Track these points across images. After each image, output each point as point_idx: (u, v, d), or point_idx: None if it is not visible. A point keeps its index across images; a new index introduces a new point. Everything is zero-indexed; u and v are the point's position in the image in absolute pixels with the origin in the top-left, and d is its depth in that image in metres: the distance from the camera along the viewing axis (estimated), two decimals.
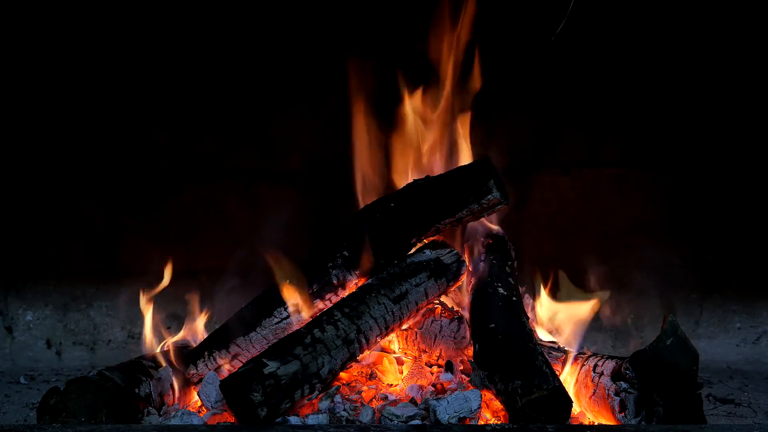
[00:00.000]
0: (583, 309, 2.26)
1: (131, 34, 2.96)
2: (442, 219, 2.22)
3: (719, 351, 3.09)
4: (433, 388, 2.09)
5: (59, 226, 3.03)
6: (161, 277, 2.99)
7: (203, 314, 2.42)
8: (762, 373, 2.91)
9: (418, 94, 2.51)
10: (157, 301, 3.06)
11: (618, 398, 1.88)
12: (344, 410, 1.95)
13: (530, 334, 2.05)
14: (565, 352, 2.15)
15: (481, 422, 1.90)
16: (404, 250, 2.26)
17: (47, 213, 3.03)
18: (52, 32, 2.95)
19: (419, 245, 2.29)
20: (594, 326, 3.10)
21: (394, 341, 2.31)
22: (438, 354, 2.25)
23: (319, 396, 1.96)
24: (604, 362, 2.01)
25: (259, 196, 3.07)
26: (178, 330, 2.48)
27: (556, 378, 1.85)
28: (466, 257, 2.36)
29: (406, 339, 2.30)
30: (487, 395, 1.98)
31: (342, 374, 2.09)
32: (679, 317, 3.01)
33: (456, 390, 2.03)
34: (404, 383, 2.15)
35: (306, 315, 2.18)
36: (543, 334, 2.35)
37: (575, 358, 2.11)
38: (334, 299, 2.22)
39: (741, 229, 3.12)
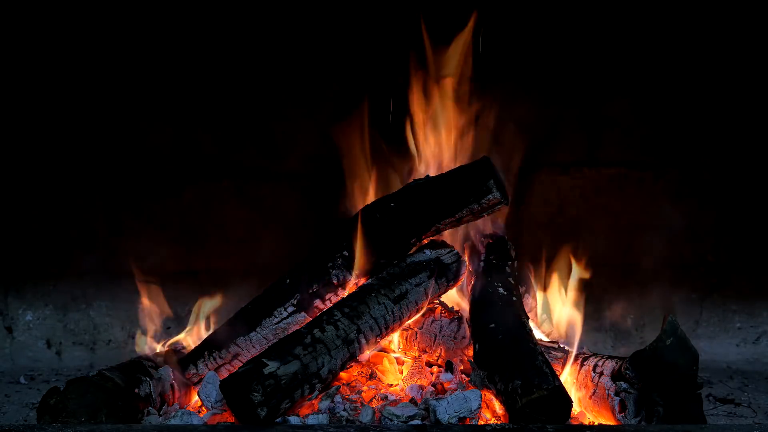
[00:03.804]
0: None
1: (131, 33, 2.96)
2: (442, 219, 2.22)
3: (719, 351, 3.09)
4: (433, 388, 2.09)
5: (59, 226, 3.03)
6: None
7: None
8: (762, 373, 2.90)
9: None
10: (157, 301, 3.07)
11: (618, 398, 1.88)
12: (344, 410, 1.95)
13: (530, 334, 2.05)
14: (565, 352, 2.15)
15: (481, 422, 1.90)
16: (404, 250, 2.26)
17: (47, 213, 3.03)
18: (53, 32, 2.95)
19: (419, 245, 2.29)
20: (594, 326, 3.11)
21: (394, 341, 2.31)
22: (438, 354, 2.25)
23: (319, 396, 1.96)
24: (604, 362, 2.01)
25: (259, 196, 3.07)
26: (178, 330, 2.48)
27: (556, 378, 1.85)
28: (466, 257, 2.36)
29: (406, 339, 2.30)
30: (487, 395, 1.98)
31: (342, 374, 2.09)
32: (679, 317, 3.00)
33: (456, 390, 2.03)
34: (404, 383, 2.15)
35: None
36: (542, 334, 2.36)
37: (575, 358, 2.11)
38: (334, 299, 2.21)
39: (741, 229, 3.12)
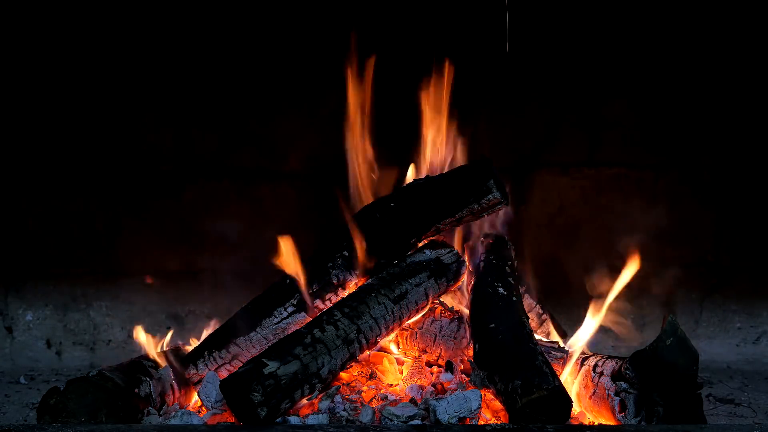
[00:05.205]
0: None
1: (131, 33, 2.96)
2: (442, 219, 2.22)
3: (719, 351, 3.09)
4: (433, 388, 2.09)
5: (59, 226, 3.03)
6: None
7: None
8: (762, 373, 2.90)
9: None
10: (157, 301, 3.07)
11: (618, 398, 1.88)
12: (344, 410, 1.95)
13: (530, 334, 2.05)
14: (566, 352, 2.15)
15: (481, 422, 1.90)
16: (404, 250, 2.26)
17: (47, 213, 3.03)
18: (53, 31, 2.94)
19: (419, 245, 2.29)
20: None
21: (393, 341, 2.31)
22: (438, 354, 2.25)
23: (319, 396, 1.96)
24: (604, 362, 2.01)
25: (259, 196, 3.07)
26: (179, 330, 2.48)
27: (556, 378, 1.86)
28: (466, 257, 2.36)
29: (406, 339, 2.30)
30: (487, 395, 1.98)
31: (342, 374, 2.09)
32: (679, 317, 3.01)
33: (456, 390, 2.04)
34: (404, 383, 2.15)
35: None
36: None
37: (575, 359, 2.11)
38: (334, 299, 2.22)
39: (741, 230, 3.12)
